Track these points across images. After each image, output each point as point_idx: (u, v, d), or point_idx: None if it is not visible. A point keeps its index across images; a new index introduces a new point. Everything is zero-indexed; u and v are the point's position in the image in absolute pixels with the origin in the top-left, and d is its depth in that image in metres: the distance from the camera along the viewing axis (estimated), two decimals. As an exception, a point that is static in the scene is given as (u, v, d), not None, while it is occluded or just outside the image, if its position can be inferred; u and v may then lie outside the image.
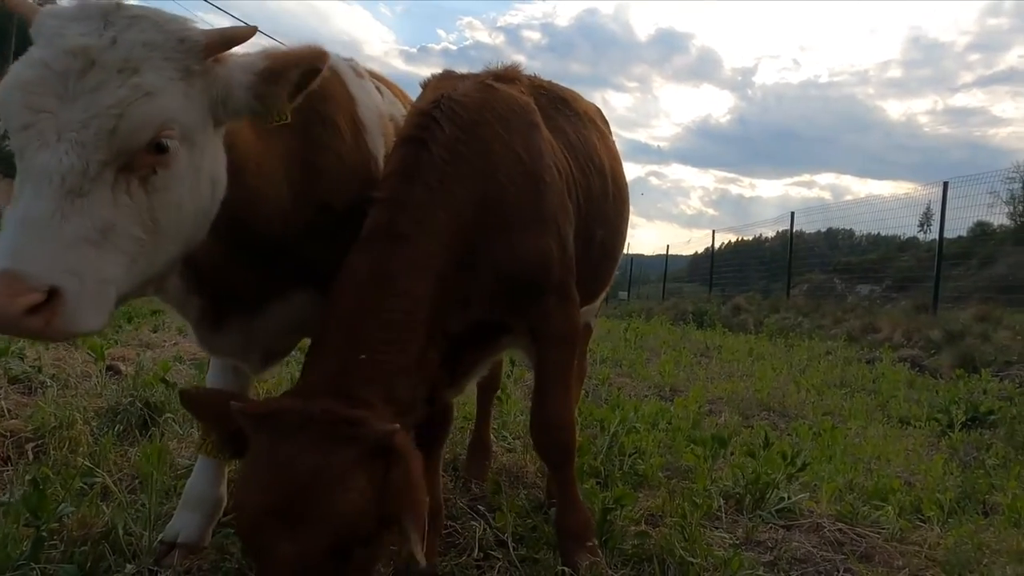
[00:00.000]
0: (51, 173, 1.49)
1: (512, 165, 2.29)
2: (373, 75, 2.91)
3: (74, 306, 1.49)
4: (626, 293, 34.44)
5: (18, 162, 1.55)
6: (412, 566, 2.47)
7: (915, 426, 6.07)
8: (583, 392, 4.49)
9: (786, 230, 23.68)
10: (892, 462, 4.62)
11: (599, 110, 3.63)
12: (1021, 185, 23.33)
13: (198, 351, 6.23)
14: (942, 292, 15.34)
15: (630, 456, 3.83)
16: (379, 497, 1.66)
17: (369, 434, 1.67)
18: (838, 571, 2.78)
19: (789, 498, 3.42)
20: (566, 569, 2.45)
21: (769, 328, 15.34)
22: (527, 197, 2.29)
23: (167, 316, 7.89)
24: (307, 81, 1.81)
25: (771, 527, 3.20)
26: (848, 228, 27.11)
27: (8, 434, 3.26)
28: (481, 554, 2.63)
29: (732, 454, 4.14)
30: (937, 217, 16.01)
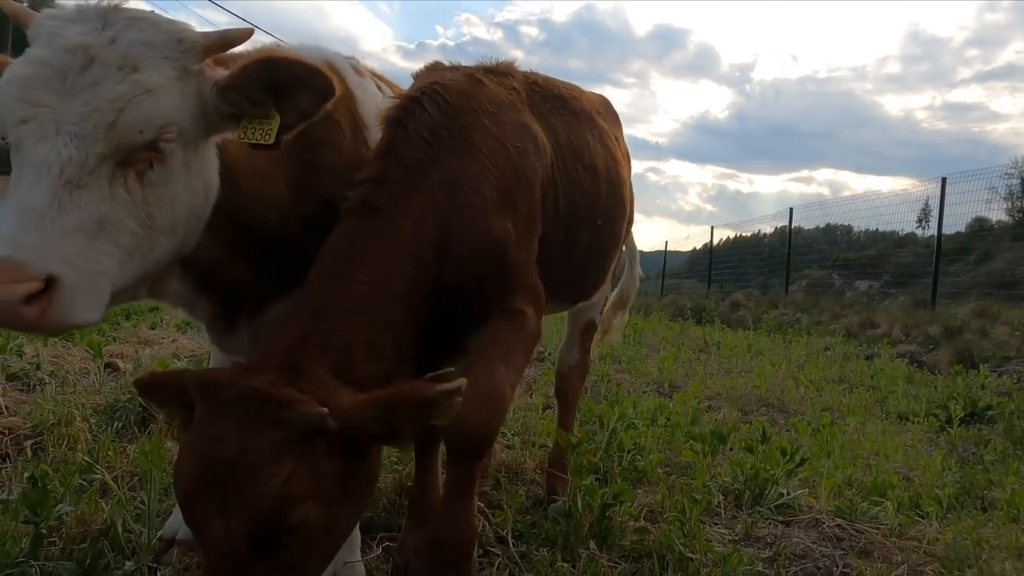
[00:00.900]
0: (50, 164, 1.50)
1: (495, 152, 2.28)
2: (374, 74, 2.91)
3: (70, 296, 1.50)
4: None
5: (14, 156, 1.56)
6: (411, 562, 2.47)
7: (913, 422, 6.08)
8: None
9: (784, 226, 23.73)
10: (891, 458, 4.63)
11: (607, 103, 3.58)
12: (1019, 181, 23.33)
13: (196, 348, 6.24)
14: (940, 288, 15.38)
15: (629, 452, 3.83)
16: (312, 483, 1.57)
17: (296, 416, 1.57)
18: (837, 567, 2.78)
19: (788, 494, 3.43)
20: (564, 565, 2.45)
21: (768, 324, 15.36)
22: (504, 186, 2.27)
23: (165, 313, 7.88)
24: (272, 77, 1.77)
25: (770, 523, 3.21)
26: (846, 224, 27.13)
27: (7, 431, 3.25)
28: (481, 551, 2.63)
29: (731, 450, 4.15)
30: (935, 213, 16.06)
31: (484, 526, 2.79)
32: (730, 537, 2.97)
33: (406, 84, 2.71)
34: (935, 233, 15.94)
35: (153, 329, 7.68)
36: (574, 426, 3.74)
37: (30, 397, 3.97)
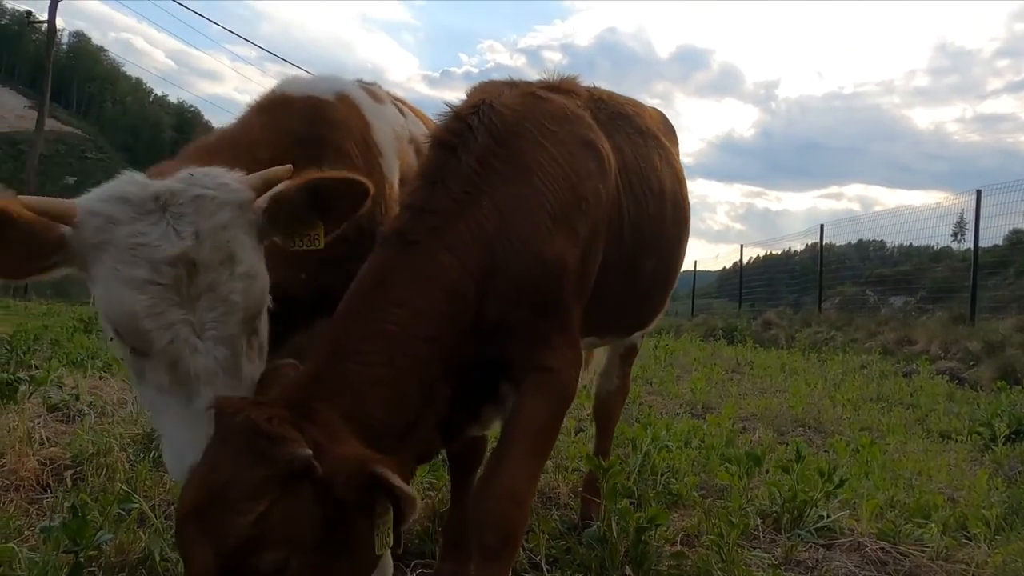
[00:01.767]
0: (213, 370, 1.68)
1: (552, 175, 2.13)
2: (395, 99, 2.95)
3: None
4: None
5: (169, 368, 1.67)
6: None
7: (956, 440, 5.92)
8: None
9: (815, 243, 23.42)
10: (934, 478, 4.51)
11: (663, 117, 3.46)
12: (1057, 191, 22.77)
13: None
14: (979, 302, 15.02)
15: (663, 475, 3.78)
16: (289, 528, 1.52)
17: (280, 455, 1.51)
18: (882, 591, 2.71)
19: (828, 516, 3.35)
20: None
21: (801, 343, 15.12)
22: (562, 211, 2.12)
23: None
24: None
25: (810, 546, 3.13)
26: (879, 239, 26.65)
27: (48, 462, 3.31)
28: (515, 577, 2.61)
29: (767, 472, 4.07)
30: (971, 226, 15.73)
31: (518, 552, 2.76)
32: (770, 561, 2.91)
33: (432, 112, 2.72)
34: (972, 247, 15.61)
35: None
36: (610, 450, 3.69)
37: (70, 428, 4.05)
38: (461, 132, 2.09)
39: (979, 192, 15.48)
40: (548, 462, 4.16)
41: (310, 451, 1.52)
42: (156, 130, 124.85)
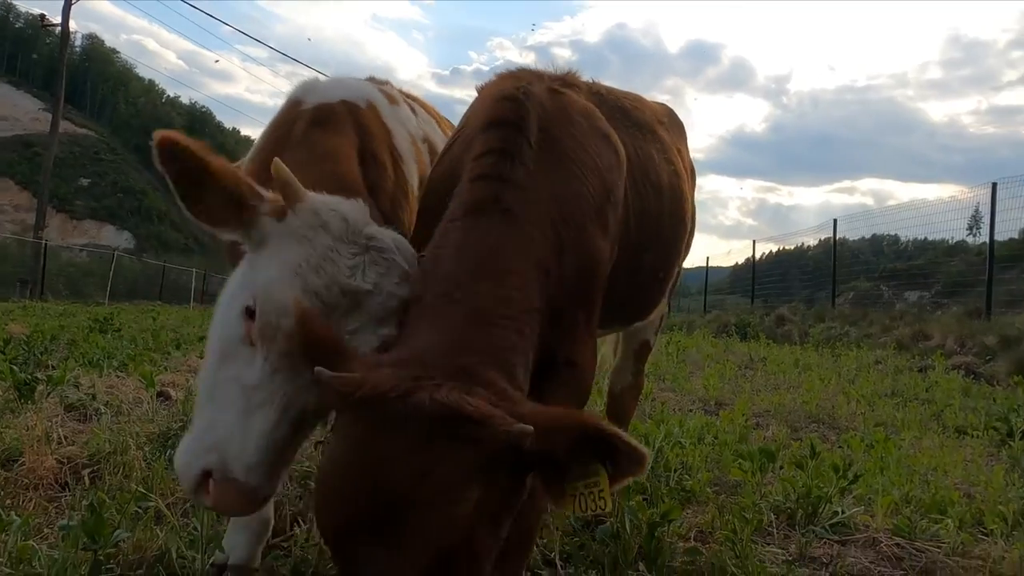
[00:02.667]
0: None
1: (587, 167, 2.12)
2: (407, 96, 2.96)
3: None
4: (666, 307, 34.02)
5: (270, 372, 1.70)
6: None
7: (973, 436, 5.87)
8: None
9: (828, 238, 23.28)
10: (950, 473, 4.47)
11: (670, 112, 3.43)
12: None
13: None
14: (995, 296, 14.87)
15: (676, 471, 3.78)
16: (492, 510, 1.38)
17: (494, 435, 1.33)
18: (897, 587, 2.69)
19: (843, 512, 3.33)
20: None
21: (815, 338, 15.05)
22: (598, 204, 2.12)
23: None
24: None
25: (825, 542, 3.12)
26: (893, 233, 26.47)
27: (66, 460, 3.35)
28: (529, 574, 2.61)
29: (781, 468, 4.05)
30: (986, 220, 15.58)
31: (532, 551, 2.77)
32: (784, 557, 2.90)
33: (442, 110, 2.74)
34: (987, 240, 15.45)
35: (202, 358, 7.85)
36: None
37: (87, 427, 4.09)
38: (519, 111, 2.04)
39: (994, 185, 15.31)
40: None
41: (529, 427, 1.34)
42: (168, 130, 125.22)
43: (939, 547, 3.08)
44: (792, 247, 30.92)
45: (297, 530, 2.78)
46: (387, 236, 1.87)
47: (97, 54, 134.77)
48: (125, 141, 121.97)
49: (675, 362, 10.31)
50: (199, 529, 2.45)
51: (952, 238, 20.89)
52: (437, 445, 1.33)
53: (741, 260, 34.44)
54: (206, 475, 1.70)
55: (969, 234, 19.42)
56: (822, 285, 23.57)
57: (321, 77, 2.78)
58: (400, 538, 1.30)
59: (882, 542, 3.10)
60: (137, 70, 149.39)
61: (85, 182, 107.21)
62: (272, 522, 2.64)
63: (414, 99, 3.05)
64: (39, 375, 4.82)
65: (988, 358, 10.62)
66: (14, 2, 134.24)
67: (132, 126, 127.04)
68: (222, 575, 2.42)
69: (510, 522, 1.50)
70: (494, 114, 2.05)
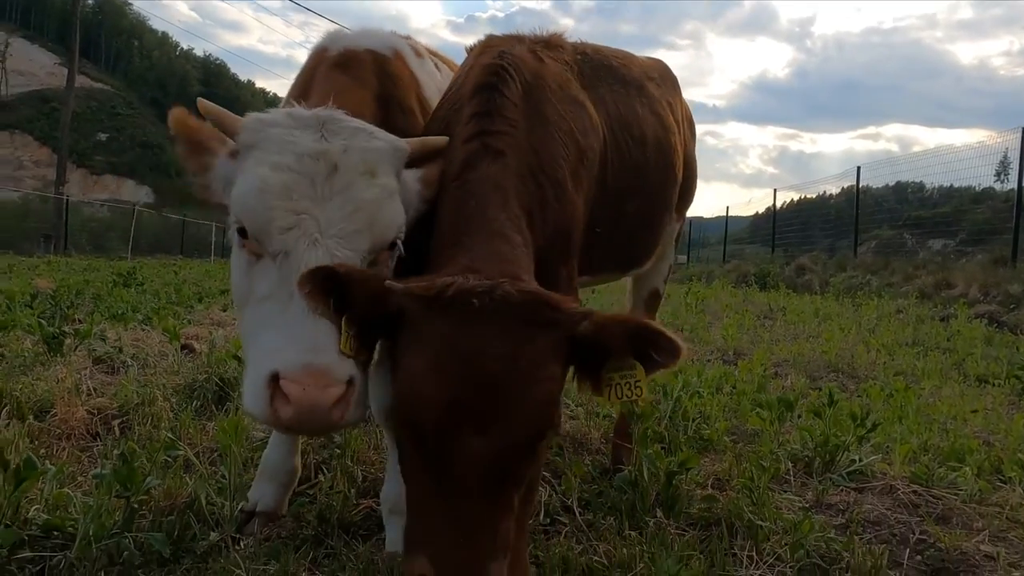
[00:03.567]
0: None
1: (563, 131, 2.28)
2: (431, 52, 2.93)
3: (360, 397, 1.67)
4: (685, 257, 33.94)
5: (281, 261, 1.68)
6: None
7: (994, 384, 5.84)
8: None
9: (851, 186, 22.89)
10: (969, 422, 4.47)
11: (662, 67, 3.50)
12: (1109, 127, 21.81)
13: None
14: (1021, 244, 14.61)
15: (694, 421, 3.81)
16: (561, 385, 1.58)
17: (568, 318, 1.54)
18: (913, 533, 2.72)
19: (860, 460, 3.35)
20: (632, 534, 2.47)
21: (836, 287, 14.93)
22: (573, 166, 2.27)
23: (235, 295, 8.16)
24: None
25: (842, 490, 3.14)
26: (918, 181, 25.89)
27: (96, 412, 3.44)
28: (548, 519, 2.67)
29: (799, 417, 4.07)
30: (1015, 165, 15.21)
31: (551, 495, 2.82)
32: (801, 504, 2.93)
33: (460, 59, 2.70)
34: (1015, 187, 15.11)
35: (225, 311, 7.96)
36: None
37: (115, 379, 4.19)
38: (500, 75, 2.20)
39: (1024, 129, 14.92)
40: (579, 408, 4.22)
41: (591, 308, 1.59)
42: (184, 84, 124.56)
43: (956, 494, 3.09)
44: (814, 195, 30.46)
45: (322, 478, 2.85)
46: (337, 111, 1.86)
47: (110, 6, 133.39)
48: (141, 95, 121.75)
49: (694, 312, 10.29)
50: (227, 477, 2.52)
51: (979, 185, 20.45)
52: (527, 328, 1.51)
53: (762, 209, 34.07)
54: (275, 381, 1.58)
55: (997, 180, 19.00)
56: (844, 234, 23.28)
57: (336, 27, 2.73)
58: (501, 418, 1.44)
59: (899, 489, 3.12)
60: (150, 22, 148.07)
61: (103, 137, 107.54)
62: (299, 472, 2.70)
63: (435, 54, 3.02)
64: (67, 329, 4.92)
65: (1012, 307, 10.50)
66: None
67: (147, 79, 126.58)
68: (251, 521, 2.50)
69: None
70: (478, 80, 2.20)
